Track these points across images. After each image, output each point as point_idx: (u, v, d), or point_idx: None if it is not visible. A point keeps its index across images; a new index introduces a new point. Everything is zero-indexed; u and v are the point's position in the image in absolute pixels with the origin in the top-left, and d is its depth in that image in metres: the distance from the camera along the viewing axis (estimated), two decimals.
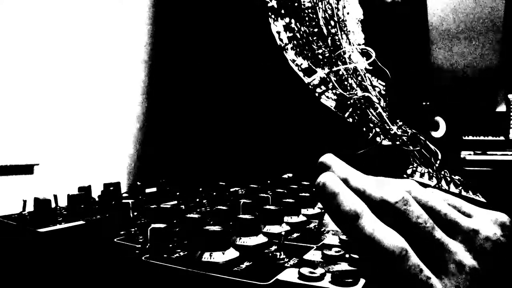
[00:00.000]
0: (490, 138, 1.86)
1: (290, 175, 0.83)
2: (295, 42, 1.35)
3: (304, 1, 1.35)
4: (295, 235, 0.42)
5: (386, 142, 1.32)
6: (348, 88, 1.33)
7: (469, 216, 0.29)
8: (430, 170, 1.33)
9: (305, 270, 0.29)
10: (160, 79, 1.69)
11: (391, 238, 0.25)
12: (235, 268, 0.31)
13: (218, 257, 0.32)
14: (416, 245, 0.26)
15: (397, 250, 0.24)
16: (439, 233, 0.26)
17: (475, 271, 0.25)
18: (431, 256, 0.26)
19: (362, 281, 0.28)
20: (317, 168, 0.32)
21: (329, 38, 1.35)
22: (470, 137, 1.86)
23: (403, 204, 0.27)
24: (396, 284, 0.24)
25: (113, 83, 1.50)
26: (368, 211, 0.27)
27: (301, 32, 1.35)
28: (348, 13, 1.40)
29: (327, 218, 0.50)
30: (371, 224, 0.26)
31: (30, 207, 0.49)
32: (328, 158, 0.33)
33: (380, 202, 0.27)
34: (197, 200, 0.62)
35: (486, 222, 0.28)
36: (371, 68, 1.37)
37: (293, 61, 1.35)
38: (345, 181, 0.29)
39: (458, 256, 0.25)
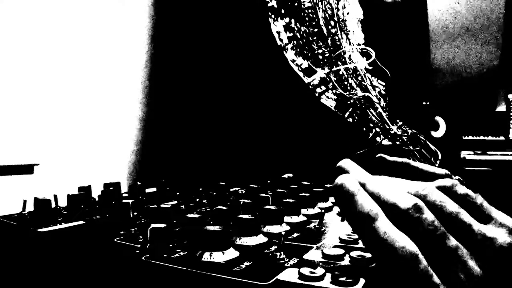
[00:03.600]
0: (490, 138, 1.86)
1: (290, 175, 0.83)
2: (295, 42, 1.35)
3: (304, 1, 1.35)
4: (295, 235, 0.42)
5: (386, 142, 1.32)
6: (348, 88, 1.33)
7: (488, 216, 0.28)
8: None
9: (305, 270, 0.29)
10: (160, 79, 1.69)
11: (403, 242, 0.25)
12: (235, 268, 0.31)
13: (218, 257, 0.32)
14: (427, 252, 0.26)
15: (407, 255, 0.25)
16: (450, 241, 0.26)
17: (485, 281, 0.25)
18: (441, 264, 0.26)
19: (362, 281, 0.28)
20: (334, 172, 0.33)
21: (329, 38, 1.35)
22: (470, 137, 1.86)
23: (415, 211, 0.27)
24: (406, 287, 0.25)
25: (114, 83, 1.50)
26: (382, 214, 0.27)
27: (301, 32, 1.35)
28: (348, 13, 1.40)
29: (327, 218, 0.50)
30: (384, 227, 0.26)
31: (30, 207, 0.49)
32: (346, 163, 0.34)
33: (393, 208, 0.28)
34: (197, 200, 0.62)
35: (502, 230, 0.27)
36: (371, 68, 1.37)
37: (293, 61, 1.34)
38: (362, 185, 0.30)
39: (469, 265, 0.25)
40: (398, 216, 0.27)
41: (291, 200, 0.49)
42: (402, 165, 0.58)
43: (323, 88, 1.33)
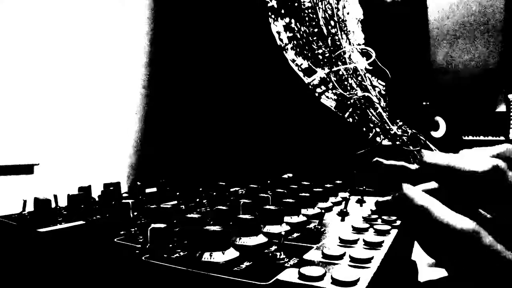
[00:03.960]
0: (490, 138, 1.86)
1: (290, 175, 0.83)
2: (295, 42, 1.35)
3: (304, 1, 1.35)
4: (295, 235, 0.42)
5: (386, 142, 1.32)
6: (348, 88, 1.33)
7: None
8: None
9: (306, 270, 0.28)
10: (160, 79, 1.69)
11: (460, 223, 0.24)
12: (235, 268, 0.31)
13: (218, 257, 0.32)
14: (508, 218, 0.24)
15: (468, 232, 0.23)
16: None
17: None
18: None
19: (362, 281, 0.28)
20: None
21: (329, 38, 1.35)
22: (470, 137, 1.86)
23: (496, 173, 0.25)
24: (473, 267, 0.23)
25: (113, 83, 1.50)
26: (434, 201, 0.26)
27: (301, 32, 1.35)
28: (348, 13, 1.40)
29: (327, 218, 0.50)
30: (438, 211, 0.25)
31: (30, 207, 0.49)
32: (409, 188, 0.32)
33: (471, 176, 0.26)
34: (197, 200, 0.62)
35: None
36: (371, 68, 1.37)
37: (293, 61, 1.34)
38: (434, 165, 0.29)
39: None
40: (478, 183, 0.25)
41: (291, 200, 0.49)
42: (398, 168, 0.58)
43: (323, 88, 1.33)
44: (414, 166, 0.55)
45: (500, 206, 0.25)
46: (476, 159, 0.27)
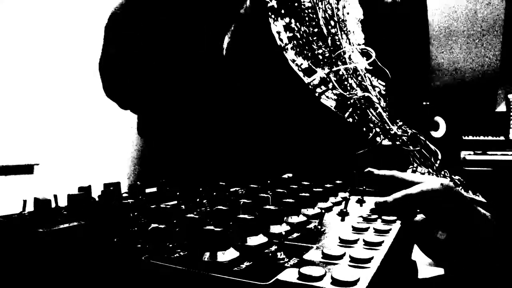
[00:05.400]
0: (490, 138, 1.86)
1: (290, 175, 0.83)
2: (295, 42, 1.35)
3: (304, 1, 1.35)
4: (295, 235, 0.42)
5: (386, 142, 1.32)
6: (348, 88, 1.33)
7: None
8: (430, 170, 1.33)
9: (306, 270, 0.29)
10: (160, 78, 1.69)
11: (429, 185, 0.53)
12: (235, 268, 0.31)
13: (218, 257, 0.32)
14: None
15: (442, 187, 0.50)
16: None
17: None
18: None
19: (362, 281, 0.28)
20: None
21: (329, 38, 1.35)
22: (470, 137, 1.86)
23: (445, 187, 0.49)
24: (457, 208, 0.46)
25: None
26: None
27: (301, 32, 1.35)
28: (348, 13, 1.40)
29: (327, 218, 0.50)
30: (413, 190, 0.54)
31: (30, 207, 0.49)
32: None
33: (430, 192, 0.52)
34: (197, 200, 0.62)
35: None
36: (371, 68, 1.37)
37: (293, 61, 1.35)
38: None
39: None
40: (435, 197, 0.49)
41: (291, 200, 0.49)
42: (389, 177, 0.60)
43: (323, 88, 1.33)
44: (404, 175, 0.57)
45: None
46: (427, 184, 0.49)
